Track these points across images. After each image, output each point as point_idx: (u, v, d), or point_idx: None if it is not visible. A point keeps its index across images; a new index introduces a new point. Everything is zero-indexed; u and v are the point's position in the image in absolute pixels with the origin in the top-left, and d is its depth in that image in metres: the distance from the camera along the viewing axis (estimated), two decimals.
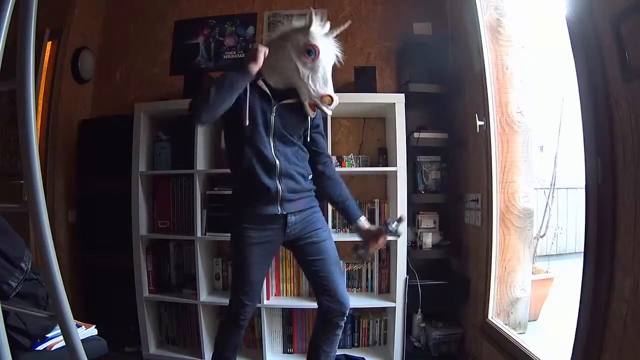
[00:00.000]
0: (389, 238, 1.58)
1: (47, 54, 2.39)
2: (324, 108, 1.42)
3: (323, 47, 1.41)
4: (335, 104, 1.42)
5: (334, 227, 2.20)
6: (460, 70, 2.20)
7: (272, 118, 1.45)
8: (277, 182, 1.44)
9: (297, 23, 1.46)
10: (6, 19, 0.69)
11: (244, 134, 1.43)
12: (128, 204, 2.19)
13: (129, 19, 2.65)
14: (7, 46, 0.70)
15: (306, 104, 1.44)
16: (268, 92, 1.45)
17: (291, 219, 1.48)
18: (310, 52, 1.40)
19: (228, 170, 1.58)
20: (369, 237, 1.53)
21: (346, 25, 1.49)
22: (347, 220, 1.65)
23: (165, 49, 2.61)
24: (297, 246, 1.55)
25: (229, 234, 1.55)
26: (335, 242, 2.01)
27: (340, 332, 1.55)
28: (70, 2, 2.42)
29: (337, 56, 1.48)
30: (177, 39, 2.60)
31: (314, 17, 1.40)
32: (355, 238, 2.19)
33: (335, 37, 1.49)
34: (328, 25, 1.47)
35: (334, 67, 2.50)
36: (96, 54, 2.61)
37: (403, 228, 1.58)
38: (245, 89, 1.41)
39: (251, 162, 1.42)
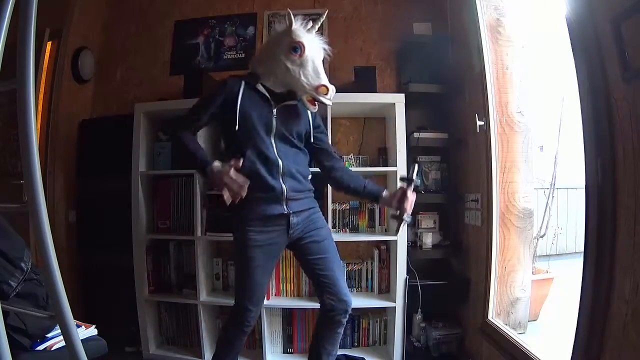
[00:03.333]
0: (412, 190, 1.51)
1: (47, 54, 2.39)
2: (322, 99, 1.43)
3: (307, 42, 1.45)
4: (332, 93, 1.43)
5: (333, 227, 2.20)
6: (460, 70, 2.19)
7: (273, 120, 1.48)
8: (281, 181, 1.47)
9: (279, 27, 1.52)
10: (6, 19, 0.69)
11: (245, 137, 1.45)
12: (128, 204, 2.18)
13: (129, 19, 2.66)
14: (7, 46, 0.70)
15: (304, 99, 1.46)
16: (267, 95, 1.49)
17: (294, 220, 1.50)
18: (296, 49, 1.43)
19: None
20: (397, 200, 1.49)
21: (324, 16, 1.53)
22: (374, 201, 1.64)
23: (165, 49, 2.61)
24: (298, 246, 1.56)
25: (231, 236, 1.56)
26: (335, 242, 2.01)
27: (342, 330, 1.57)
28: (70, 2, 2.42)
29: (325, 49, 1.51)
30: (177, 39, 2.60)
31: (292, 17, 1.45)
32: (355, 238, 2.21)
33: (319, 32, 1.53)
34: (310, 23, 1.51)
35: (335, 67, 2.50)
36: (96, 54, 2.62)
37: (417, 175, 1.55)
38: (237, 95, 1.45)
39: (255, 164, 1.44)
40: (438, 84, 2.24)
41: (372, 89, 2.22)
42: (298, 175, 1.51)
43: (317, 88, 1.42)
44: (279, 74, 1.46)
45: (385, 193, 1.56)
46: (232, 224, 1.55)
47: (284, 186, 1.47)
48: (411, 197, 1.47)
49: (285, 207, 1.48)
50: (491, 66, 1.94)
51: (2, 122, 2.35)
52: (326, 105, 1.46)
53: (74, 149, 2.50)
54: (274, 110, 1.49)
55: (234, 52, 2.56)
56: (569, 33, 1.24)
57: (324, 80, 1.44)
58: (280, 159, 1.47)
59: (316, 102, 1.46)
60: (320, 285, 1.54)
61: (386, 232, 2.23)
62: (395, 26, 2.47)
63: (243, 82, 1.48)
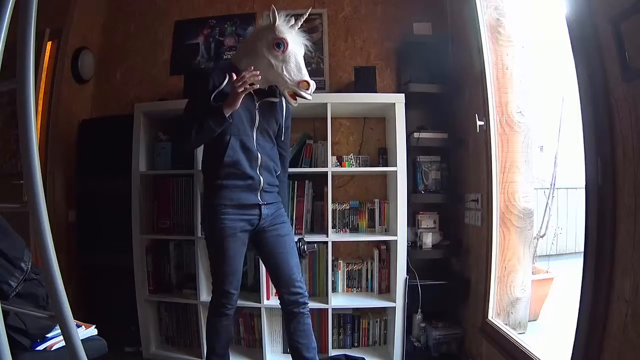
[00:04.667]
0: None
1: (47, 54, 2.39)
2: (303, 93, 1.49)
3: (291, 38, 1.49)
4: (312, 88, 1.49)
5: (334, 227, 2.19)
6: (460, 70, 2.19)
7: (257, 113, 1.55)
8: (258, 173, 1.54)
9: (263, 22, 1.55)
10: (6, 19, 0.69)
11: (231, 128, 1.49)
12: (128, 204, 2.18)
13: (129, 19, 2.65)
14: (7, 46, 0.70)
15: (286, 94, 1.52)
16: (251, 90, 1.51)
17: (265, 211, 1.57)
18: (279, 44, 1.48)
19: None
20: None
21: (307, 14, 1.56)
22: None
23: (165, 49, 2.60)
24: (261, 237, 1.61)
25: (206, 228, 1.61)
26: (334, 242, 2.01)
27: (309, 321, 1.60)
28: (70, 2, 2.42)
29: (306, 45, 1.56)
30: (177, 38, 2.60)
31: (277, 13, 1.48)
32: (355, 238, 2.21)
33: (301, 28, 1.56)
34: (293, 19, 1.54)
35: (335, 67, 2.50)
36: (96, 54, 2.61)
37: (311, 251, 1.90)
38: (222, 86, 1.48)
39: (237, 153, 1.51)
40: (438, 84, 2.24)
41: (372, 89, 2.22)
42: (272, 170, 1.60)
43: (298, 83, 1.48)
44: (261, 69, 1.48)
45: None
46: (205, 213, 1.60)
47: (261, 178, 1.54)
48: None
49: (259, 197, 1.55)
50: (491, 66, 1.94)
51: (2, 122, 2.35)
52: (307, 99, 1.51)
53: (74, 149, 2.49)
54: (257, 104, 1.55)
55: (234, 52, 2.56)
56: (569, 33, 1.24)
57: (306, 75, 1.49)
58: (259, 152, 1.54)
59: (297, 97, 1.51)
60: (277, 279, 1.60)
61: (386, 232, 2.23)
62: (395, 26, 2.47)
63: (227, 76, 1.50)
